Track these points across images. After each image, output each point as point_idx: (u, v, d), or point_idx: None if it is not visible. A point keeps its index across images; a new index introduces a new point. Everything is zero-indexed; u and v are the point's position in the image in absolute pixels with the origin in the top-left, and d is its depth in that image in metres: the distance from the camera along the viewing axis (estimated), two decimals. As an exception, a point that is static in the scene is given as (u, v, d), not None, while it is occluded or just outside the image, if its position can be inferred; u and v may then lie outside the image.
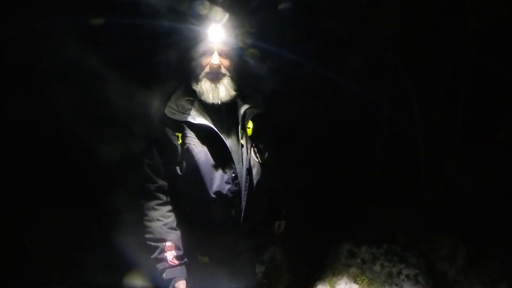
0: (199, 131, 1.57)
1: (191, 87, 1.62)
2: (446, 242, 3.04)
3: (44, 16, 1.98)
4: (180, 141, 1.56)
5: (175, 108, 1.60)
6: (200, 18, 1.60)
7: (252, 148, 1.64)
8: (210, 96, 1.56)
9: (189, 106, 1.59)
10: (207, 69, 1.57)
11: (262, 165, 1.67)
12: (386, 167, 3.39)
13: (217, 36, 1.58)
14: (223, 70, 1.58)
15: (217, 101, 1.57)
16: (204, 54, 1.58)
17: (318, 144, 2.71)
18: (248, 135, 1.64)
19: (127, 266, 2.22)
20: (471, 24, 2.96)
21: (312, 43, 2.31)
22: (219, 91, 1.56)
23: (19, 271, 2.61)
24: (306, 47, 2.25)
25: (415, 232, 3.06)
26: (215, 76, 1.57)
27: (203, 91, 1.57)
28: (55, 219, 2.67)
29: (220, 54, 1.57)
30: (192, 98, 1.62)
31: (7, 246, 2.60)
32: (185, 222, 1.65)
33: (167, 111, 1.59)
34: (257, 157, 1.65)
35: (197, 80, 1.59)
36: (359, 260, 2.61)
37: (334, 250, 2.77)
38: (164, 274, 1.57)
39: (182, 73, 1.66)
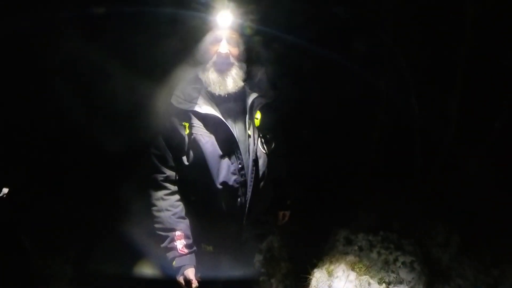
0: (206, 120, 1.54)
1: (198, 75, 1.57)
2: (441, 229, 3.08)
3: (48, 5, 1.90)
4: (187, 131, 1.54)
5: (182, 97, 1.55)
6: (208, 5, 1.52)
7: (259, 139, 1.62)
8: (217, 87, 1.52)
9: (196, 95, 1.55)
10: (214, 58, 1.51)
11: (269, 155, 1.65)
12: (383, 155, 3.39)
13: (225, 23, 1.51)
14: (232, 59, 1.52)
15: (224, 92, 1.53)
16: (212, 42, 1.52)
17: (316, 131, 2.69)
18: (256, 125, 1.61)
19: (136, 255, 2.26)
20: (472, 12, 2.93)
21: (313, 29, 2.26)
22: (227, 83, 1.52)
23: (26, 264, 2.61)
24: (308, 34, 2.20)
25: (411, 219, 3.08)
26: (223, 66, 1.52)
27: (210, 82, 1.53)
28: (63, 210, 2.66)
29: (229, 42, 1.51)
30: (199, 87, 1.57)
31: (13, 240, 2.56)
32: (190, 210, 1.66)
33: (173, 100, 1.55)
34: (264, 148, 1.63)
35: (204, 70, 1.54)
36: (356, 248, 2.62)
37: (331, 237, 2.77)
38: (174, 262, 1.60)
39: (189, 61, 1.59)
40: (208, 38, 1.52)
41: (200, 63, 1.56)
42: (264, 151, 1.63)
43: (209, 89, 1.54)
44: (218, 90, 1.52)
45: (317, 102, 2.63)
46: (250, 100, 1.59)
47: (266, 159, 1.65)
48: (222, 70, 1.51)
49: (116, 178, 2.46)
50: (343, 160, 3.19)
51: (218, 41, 1.51)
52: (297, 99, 1.95)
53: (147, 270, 2.28)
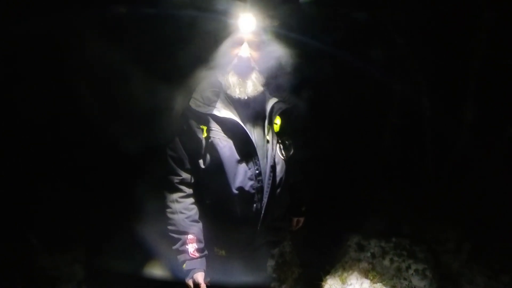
0: (225, 124, 1.51)
1: (217, 78, 1.54)
2: (452, 235, 3.05)
3: (71, 6, 1.85)
4: (205, 134, 1.51)
5: (200, 100, 1.52)
6: (229, 8, 1.47)
7: (277, 144, 1.59)
8: (237, 90, 1.49)
9: (214, 98, 1.52)
10: (235, 61, 1.48)
11: (287, 162, 1.62)
12: (395, 159, 3.35)
13: (247, 26, 1.47)
14: (252, 63, 1.49)
15: (243, 96, 1.50)
16: (233, 45, 1.49)
17: (331, 136, 2.66)
18: (275, 131, 1.58)
19: (147, 255, 2.26)
20: (487, 14, 2.88)
21: (332, 34, 2.22)
22: (246, 86, 1.49)
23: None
24: (328, 38, 2.15)
25: (422, 224, 3.05)
26: (243, 70, 1.48)
27: (230, 85, 1.49)
28: (74, 207, 2.64)
29: (250, 46, 1.48)
30: (218, 90, 1.54)
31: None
32: (204, 214, 1.65)
33: (192, 103, 1.52)
34: (282, 154, 1.60)
35: (224, 73, 1.51)
36: (368, 254, 2.59)
37: (343, 243, 2.74)
38: (184, 265, 1.60)
39: (209, 64, 1.55)
40: (229, 41, 1.49)
41: (220, 66, 1.53)
42: (282, 157, 1.60)
43: (228, 92, 1.51)
44: (237, 93, 1.49)
45: (333, 106, 2.59)
46: (269, 105, 1.56)
47: (284, 165, 1.61)
48: (242, 73, 1.49)
49: (131, 177, 2.43)
50: (355, 164, 3.15)
51: (239, 44, 1.47)
52: (316, 104, 1.90)
53: (156, 270, 2.28)
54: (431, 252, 2.78)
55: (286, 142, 1.61)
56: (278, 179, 1.60)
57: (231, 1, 1.48)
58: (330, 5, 2.31)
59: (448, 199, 3.20)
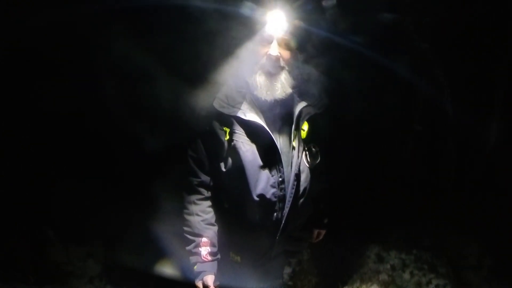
0: (249, 128, 1.43)
1: (244, 78, 1.46)
2: (474, 249, 2.96)
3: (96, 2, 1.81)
4: (228, 137, 1.45)
5: (225, 100, 1.45)
6: (260, 3, 1.40)
7: (304, 152, 1.51)
8: (264, 92, 1.41)
9: (240, 99, 1.45)
10: (263, 60, 1.39)
11: (312, 170, 1.53)
12: (416, 169, 3.25)
13: (277, 23, 1.37)
14: (282, 63, 1.40)
15: (271, 98, 1.42)
16: (262, 42, 1.40)
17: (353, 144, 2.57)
18: (302, 137, 1.50)
19: (160, 253, 2.25)
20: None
21: (362, 36, 2.14)
22: (275, 88, 1.41)
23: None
24: (359, 42, 2.07)
25: (444, 237, 2.96)
26: (272, 70, 1.40)
27: (257, 86, 1.41)
28: (95, 204, 2.64)
29: (280, 44, 1.39)
30: (244, 91, 1.47)
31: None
32: (222, 218, 1.61)
33: (215, 104, 1.45)
34: (307, 162, 1.51)
35: (252, 72, 1.43)
36: (388, 266, 2.52)
37: (362, 253, 2.66)
38: (195, 267, 1.58)
39: (235, 62, 1.47)
40: (258, 38, 1.40)
41: (247, 65, 1.44)
42: (308, 165, 1.52)
43: (255, 93, 1.43)
44: (264, 95, 1.41)
45: (359, 113, 2.50)
46: (298, 109, 1.48)
47: (309, 174, 1.53)
48: (271, 73, 1.40)
49: (151, 175, 2.40)
50: (376, 174, 3.06)
51: (268, 42, 1.38)
52: (344, 111, 1.84)
53: (168, 269, 2.27)
54: (452, 267, 2.69)
55: (313, 149, 1.52)
56: (302, 188, 1.52)
57: None
58: (359, 9, 2.21)
59: (471, 212, 3.09)
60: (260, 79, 1.40)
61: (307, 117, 1.49)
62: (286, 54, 1.40)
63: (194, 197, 1.57)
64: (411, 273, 2.48)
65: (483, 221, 3.10)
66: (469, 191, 3.16)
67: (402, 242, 2.75)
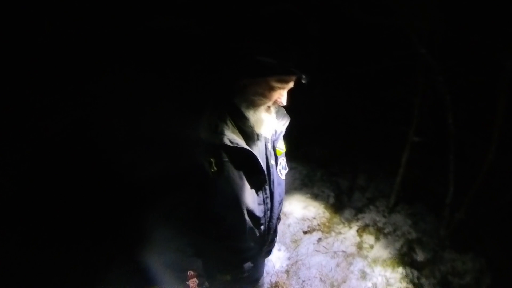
0: (235, 154, 1.38)
1: (234, 105, 1.40)
2: (471, 266, 2.78)
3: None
4: (215, 168, 1.37)
5: (209, 128, 1.38)
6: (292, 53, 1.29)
7: (278, 165, 1.58)
8: (261, 128, 1.41)
9: (223, 125, 1.39)
10: (269, 104, 1.38)
11: (284, 181, 1.62)
12: (411, 179, 3.11)
13: (297, 73, 1.31)
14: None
15: (266, 134, 1.44)
16: (276, 89, 1.34)
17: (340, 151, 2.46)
18: (277, 154, 1.56)
19: (149, 282, 2.20)
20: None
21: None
22: (270, 124, 1.44)
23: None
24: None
25: (438, 250, 2.81)
26: (270, 109, 1.42)
27: (254, 123, 1.40)
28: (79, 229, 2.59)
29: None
30: (224, 115, 1.40)
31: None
32: (209, 244, 1.56)
33: (200, 133, 1.37)
34: (281, 174, 1.58)
35: (254, 108, 1.39)
36: (370, 285, 2.40)
37: (346, 267, 2.57)
38: None
39: (234, 92, 1.40)
40: (273, 83, 1.33)
41: (250, 101, 1.38)
42: (282, 178, 1.59)
43: (249, 127, 1.41)
44: (261, 130, 1.42)
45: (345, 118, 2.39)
46: (274, 129, 1.51)
47: (284, 184, 1.61)
48: (270, 114, 1.42)
49: (140, 203, 2.36)
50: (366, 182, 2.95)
51: (282, 89, 1.35)
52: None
53: None
54: (442, 285, 2.54)
55: (283, 161, 1.60)
56: (281, 198, 1.61)
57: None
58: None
59: (469, 223, 2.92)
60: (259, 116, 1.39)
61: (281, 136, 1.54)
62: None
63: (178, 230, 1.52)
64: (394, 293, 2.37)
65: (482, 235, 2.93)
66: (468, 204, 2.99)
67: (389, 255, 2.63)
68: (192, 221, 1.49)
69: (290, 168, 3.53)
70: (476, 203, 2.94)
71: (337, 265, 2.74)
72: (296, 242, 2.98)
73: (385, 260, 2.66)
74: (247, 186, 1.43)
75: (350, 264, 2.63)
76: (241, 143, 1.37)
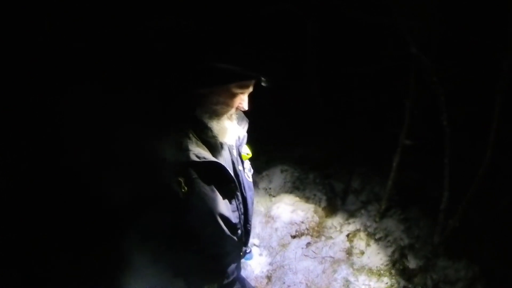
0: (204, 169, 1.32)
1: (196, 118, 1.33)
2: (463, 274, 2.69)
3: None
4: (185, 188, 1.29)
5: (173, 147, 1.29)
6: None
7: (245, 169, 1.57)
8: (226, 136, 1.35)
9: (186, 141, 1.31)
10: (232, 111, 1.33)
11: (252, 182, 1.60)
12: (402, 184, 3.03)
13: (258, 77, 1.26)
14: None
15: (231, 142, 1.39)
16: (237, 95, 1.29)
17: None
18: (243, 159, 1.55)
19: None
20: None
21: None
22: (232, 133, 1.37)
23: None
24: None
25: (429, 256, 2.73)
26: (236, 120, 1.39)
27: (218, 132, 1.33)
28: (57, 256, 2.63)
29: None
30: (186, 129, 1.32)
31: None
32: (192, 258, 1.50)
33: (165, 154, 1.28)
34: (249, 177, 1.57)
35: (217, 118, 1.32)
36: (352, 293, 2.35)
37: (331, 274, 2.52)
38: None
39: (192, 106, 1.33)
40: (234, 89, 1.27)
41: (211, 111, 1.32)
42: (250, 180, 1.58)
43: (213, 137, 1.34)
44: (226, 139, 1.36)
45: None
46: (238, 136, 1.48)
47: (252, 186, 1.59)
48: (233, 121, 1.37)
49: (113, 229, 2.33)
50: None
51: (242, 95, 1.31)
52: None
53: None
54: (431, 294, 2.46)
55: (249, 164, 1.59)
56: (252, 200, 1.59)
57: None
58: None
59: (462, 229, 2.82)
60: (222, 124, 1.33)
61: (245, 141, 1.53)
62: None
63: (155, 255, 1.45)
64: (377, 303, 2.30)
65: (476, 241, 2.83)
66: (463, 210, 2.88)
67: (377, 262, 2.56)
68: (169, 240, 1.41)
69: (282, 171, 3.55)
70: (472, 209, 2.83)
71: (323, 271, 2.69)
72: (284, 246, 2.94)
73: (370, 269, 2.59)
74: (219, 197, 1.38)
75: (335, 271, 2.57)
76: (208, 156, 1.32)
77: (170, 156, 1.22)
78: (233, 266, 1.62)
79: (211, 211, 1.36)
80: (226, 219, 1.41)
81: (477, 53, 2.75)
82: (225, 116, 1.32)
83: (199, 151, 1.29)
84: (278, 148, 3.80)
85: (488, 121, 2.68)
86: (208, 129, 1.32)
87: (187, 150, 1.26)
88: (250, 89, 1.30)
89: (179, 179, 1.26)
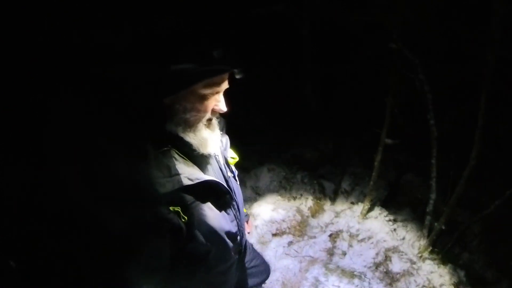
0: (198, 189, 1.20)
1: (164, 135, 1.17)
2: (448, 279, 2.58)
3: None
4: (185, 218, 1.17)
5: (162, 175, 1.13)
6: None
7: (233, 175, 1.50)
8: (208, 147, 1.20)
9: (172, 163, 1.16)
10: (207, 116, 1.17)
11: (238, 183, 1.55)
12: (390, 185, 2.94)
13: (228, 69, 1.11)
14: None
15: (214, 151, 1.25)
16: (211, 96, 1.13)
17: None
18: (231, 164, 1.50)
19: None
20: (500, 16, 2.33)
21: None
22: (216, 140, 1.25)
23: None
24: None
25: (414, 258, 2.63)
26: (212, 122, 1.21)
27: (198, 145, 1.18)
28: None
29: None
30: (167, 149, 1.17)
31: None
32: (202, 278, 1.42)
33: (155, 185, 1.13)
34: (236, 180, 1.52)
35: (192, 129, 1.16)
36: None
37: (304, 273, 2.49)
38: None
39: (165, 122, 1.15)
40: (202, 90, 1.12)
41: (188, 122, 1.16)
42: (238, 182, 1.53)
43: (195, 150, 1.19)
44: (208, 149, 1.21)
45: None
46: (222, 144, 1.43)
47: (240, 189, 1.53)
48: (214, 128, 1.22)
49: (118, 257, 2.32)
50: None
51: (216, 95, 1.14)
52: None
53: None
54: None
55: (234, 168, 1.53)
56: (242, 203, 1.54)
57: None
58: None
59: (449, 231, 2.71)
60: (203, 134, 1.18)
61: (228, 143, 1.46)
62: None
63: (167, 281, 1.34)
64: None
65: (462, 243, 2.70)
66: (449, 212, 2.76)
67: (361, 266, 2.49)
68: (177, 267, 1.27)
69: (269, 170, 3.54)
70: (458, 212, 2.72)
71: (300, 270, 2.67)
72: (264, 244, 2.94)
73: (343, 270, 2.54)
74: (219, 213, 1.30)
75: (307, 270, 2.54)
76: (200, 175, 1.18)
77: (161, 188, 1.08)
78: (236, 271, 1.58)
79: (215, 231, 1.26)
80: (228, 233, 1.33)
81: (463, 49, 2.64)
82: (200, 125, 1.15)
83: (189, 172, 1.16)
84: (268, 148, 3.80)
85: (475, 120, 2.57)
86: (187, 144, 1.16)
87: (177, 174, 1.12)
88: (224, 87, 1.13)
89: (176, 209, 1.14)
